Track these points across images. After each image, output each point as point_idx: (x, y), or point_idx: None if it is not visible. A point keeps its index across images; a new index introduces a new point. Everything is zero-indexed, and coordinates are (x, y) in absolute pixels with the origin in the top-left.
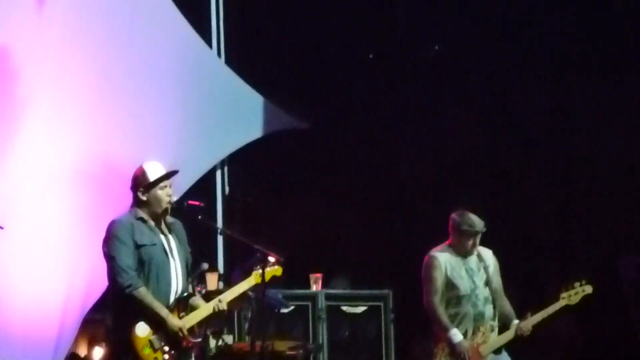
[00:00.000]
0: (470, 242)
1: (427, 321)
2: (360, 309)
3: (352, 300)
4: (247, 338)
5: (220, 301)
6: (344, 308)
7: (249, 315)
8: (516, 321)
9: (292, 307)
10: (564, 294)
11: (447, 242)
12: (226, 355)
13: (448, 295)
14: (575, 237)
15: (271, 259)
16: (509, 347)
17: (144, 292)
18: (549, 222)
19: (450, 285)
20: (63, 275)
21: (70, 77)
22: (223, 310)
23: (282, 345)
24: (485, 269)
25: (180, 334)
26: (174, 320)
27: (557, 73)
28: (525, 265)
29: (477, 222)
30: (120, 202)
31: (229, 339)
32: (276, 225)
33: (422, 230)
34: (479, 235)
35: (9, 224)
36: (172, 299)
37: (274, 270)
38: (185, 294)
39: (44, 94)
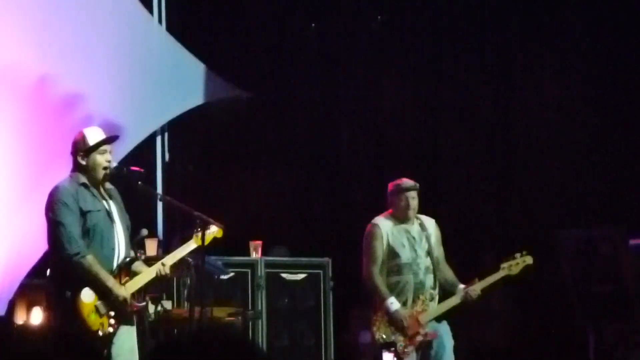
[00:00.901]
0: (403, 203)
1: (366, 290)
2: (300, 277)
3: (292, 268)
4: (186, 304)
5: (163, 265)
6: (284, 275)
7: (188, 282)
8: (462, 286)
9: (231, 274)
10: (504, 264)
11: (388, 212)
12: (165, 321)
13: (389, 264)
14: (515, 209)
15: (212, 227)
16: (450, 315)
17: (91, 260)
18: (488, 194)
19: (391, 253)
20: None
21: (6, 42)
22: (166, 275)
23: (221, 312)
24: (427, 238)
25: (124, 304)
26: (119, 291)
27: (497, 45)
28: (464, 237)
29: (407, 181)
30: (60, 166)
31: (167, 304)
32: (216, 193)
33: (362, 200)
34: (411, 194)
35: None
36: (115, 264)
37: (214, 232)
38: (128, 259)
39: None
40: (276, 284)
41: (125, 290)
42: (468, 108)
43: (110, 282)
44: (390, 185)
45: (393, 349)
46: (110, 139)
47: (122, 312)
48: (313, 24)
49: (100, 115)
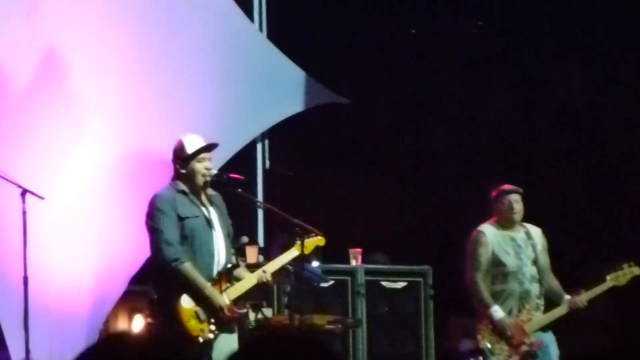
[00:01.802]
0: (506, 206)
1: (467, 298)
2: (400, 285)
3: (392, 275)
4: (286, 312)
5: (264, 272)
6: (384, 283)
7: (288, 289)
8: (568, 296)
9: (331, 282)
10: (611, 275)
11: (493, 219)
12: (265, 329)
13: (494, 272)
14: (618, 217)
15: (314, 235)
16: (556, 325)
17: (189, 267)
18: (591, 202)
19: (496, 261)
20: (102, 248)
21: (108, 51)
22: (267, 281)
23: (321, 320)
24: (533, 246)
25: (222, 313)
26: (217, 299)
27: (596, 48)
28: (567, 246)
29: (508, 185)
30: (161, 174)
31: (268, 312)
32: (317, 199)
33: (462, 206)
34: (514, 197)
35: (48, 195)
36: (215, 270)
37: (317, 240)
38: (230, 265)
39: (85, 69)
40: (376, 291)
41: (224, 297)
42: (570, 112)
43: (208, 290)
44: (494, 192)
45: (481, 357)
46: (209, 147)
47: (222, 319)
48: (413, 30)
49: (202, 121)
